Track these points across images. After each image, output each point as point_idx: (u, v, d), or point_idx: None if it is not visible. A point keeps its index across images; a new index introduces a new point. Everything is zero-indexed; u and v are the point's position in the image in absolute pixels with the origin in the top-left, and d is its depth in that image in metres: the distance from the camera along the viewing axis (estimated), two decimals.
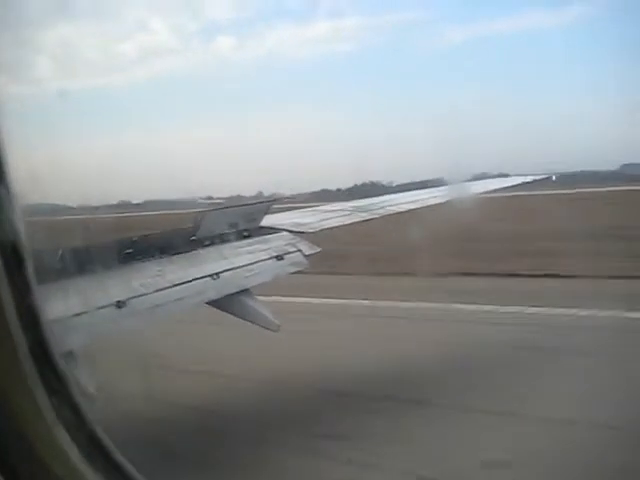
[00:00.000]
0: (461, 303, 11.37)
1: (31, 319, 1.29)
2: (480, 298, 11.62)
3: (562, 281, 12.90)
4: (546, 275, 13.57)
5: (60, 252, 5.24)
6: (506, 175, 12.51)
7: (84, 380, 3.46)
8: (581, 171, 26.49)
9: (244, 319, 6.40)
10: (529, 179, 12.02)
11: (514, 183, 11.60)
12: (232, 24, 47.03)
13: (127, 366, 6.67)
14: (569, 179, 24.97)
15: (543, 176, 13.31)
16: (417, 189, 10.53)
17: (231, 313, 6.38)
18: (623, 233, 16.25)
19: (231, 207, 7.96)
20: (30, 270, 1.29)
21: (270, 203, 7.95)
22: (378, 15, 49.00)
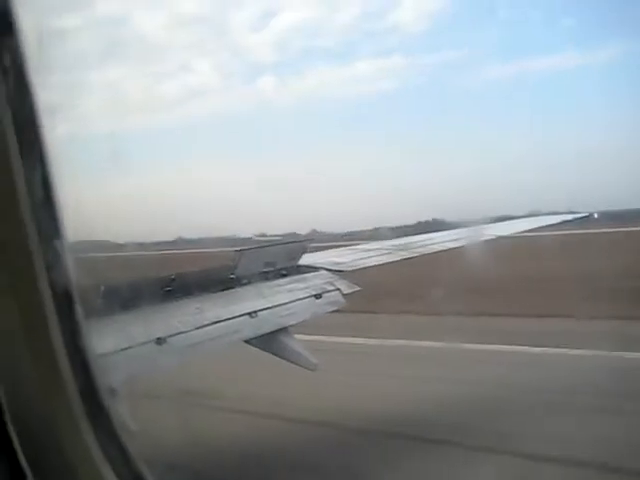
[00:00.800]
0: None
1: (80, 360, 1.31)
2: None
3: None
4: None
5: (102, 289, 5.31)
6: (549, 213, 12.39)
7: (125, 417, 3.47)
8: (626, 209, 25.92)
9: (282, 358, 6.37)
10: (570, 217, 11.91)
11: (556, 221, 11.47)
12: (274, 64, 47.91)
13: (165, 404, 6.68)
14: (613, 217, 24.48)
15: (584, 214, 13.16)
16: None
17: (269, 352, 6.36)
18: None
19: (269, 246, 8.00)
20: (80, 314, 1.32)
21: (307, 242, 7.98)
22: (420, 54, 49.45)
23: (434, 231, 10.10)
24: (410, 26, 45.03)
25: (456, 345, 10.99)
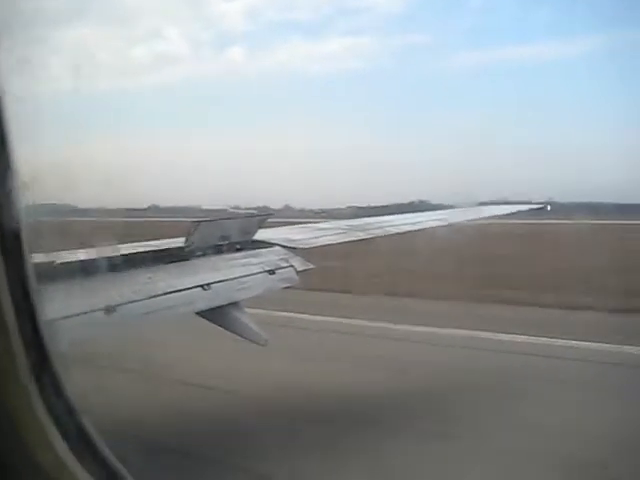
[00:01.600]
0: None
1: (28, 313, 1.31)
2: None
3: None
4: None
5: (56, 255, 5.23)
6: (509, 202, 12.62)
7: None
8: (578, 202, 26.46)
9: (232, 332, 6.39)
10: (525, 208, 12.17)
11: (509, 211, 11.70)
12: (245, 35, 47.33)
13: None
14: (564, 209, 25.02)
15: (539, 205, 13.47)
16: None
17: (220, 325, 6.37)
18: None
19: (225, 219, 7.96)
20: (30, 263, 1.31)
21: (264, 217, 7.96)
22: (391, 35, 49.41)
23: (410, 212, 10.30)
24: (384, 7, 44.84)
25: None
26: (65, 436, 1.32)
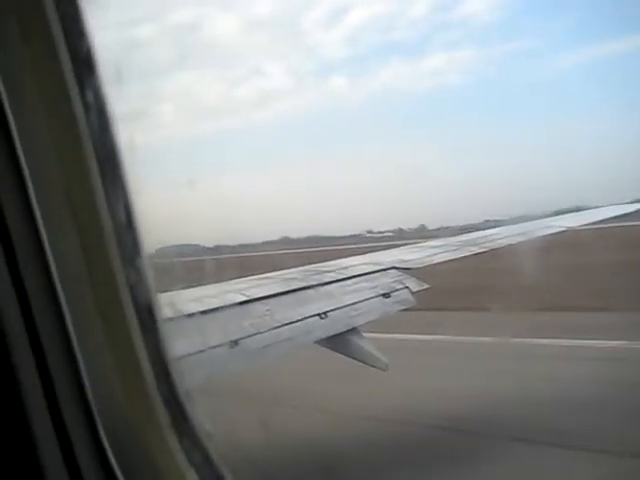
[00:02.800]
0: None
1: (165, 374, 1.35)
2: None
3: None
4: None
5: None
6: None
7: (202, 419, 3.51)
8: None
9: (352, 358, 6.36)
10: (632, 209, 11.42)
11: (615, 214, 11.05)
12: (345, 62, 48.06)
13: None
14: None
15: None
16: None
17: (340, 352, 6.36)
18: None
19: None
20: (163, 330, 1.37)
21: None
22: (491, 45, 48.53)
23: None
24: (480, 17, 44.18)
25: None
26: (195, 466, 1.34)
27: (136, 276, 1.32)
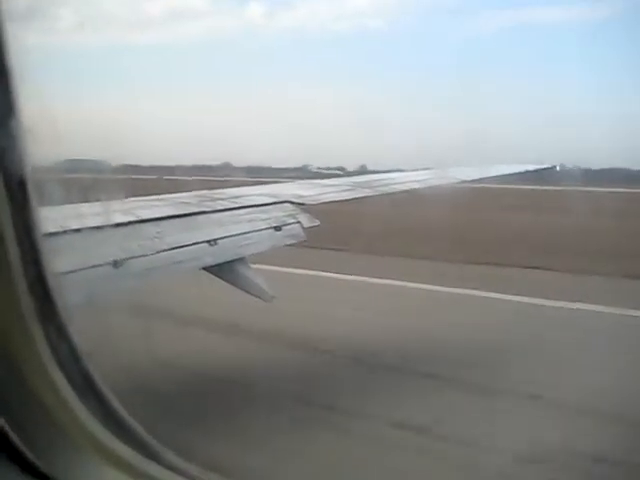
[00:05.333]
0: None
1: (32, 255, 1.31)
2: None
3: None
4: None
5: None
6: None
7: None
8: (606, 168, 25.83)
9: (238, 287, 6.42)
10: (532, 168, 11.98)
11: (517, 170, 11.57)
12: None
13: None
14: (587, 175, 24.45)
15: (547, 166, 13.05)
16: None
17: (226, 280, 6.40)
18: None
19: None
20: (36, 210, 1.32)
21: None
22: None
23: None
24: None
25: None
26: (68, 377, 1.34)
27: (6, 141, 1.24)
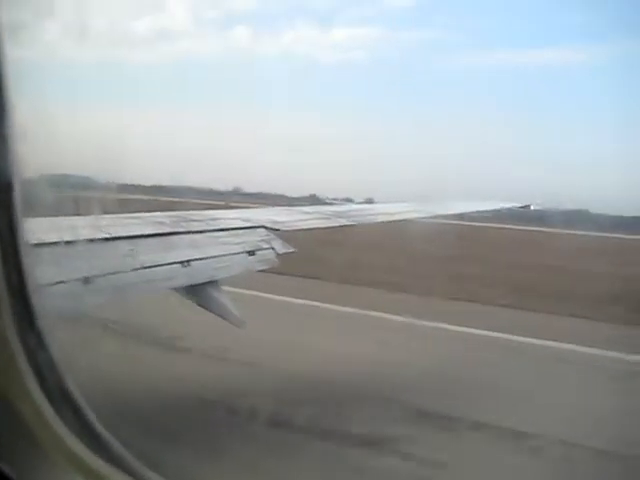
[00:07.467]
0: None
1: (15, 262, 1.31)
2: None
3: None
4: None
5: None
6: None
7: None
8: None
9: (208, 310, 6.38)
10: (508, 205, 12.05)
11: (492, 207, 11.70)
12: (250, 16, 46.85)
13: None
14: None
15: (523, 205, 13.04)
16: None
17: (196, 303, 6.36)
18: None
19: None
20: (20, 216, 1.32)
21: None
22: (400, 29, 49.21)
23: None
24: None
25: None
26: (44, 387, 1.33)
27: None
